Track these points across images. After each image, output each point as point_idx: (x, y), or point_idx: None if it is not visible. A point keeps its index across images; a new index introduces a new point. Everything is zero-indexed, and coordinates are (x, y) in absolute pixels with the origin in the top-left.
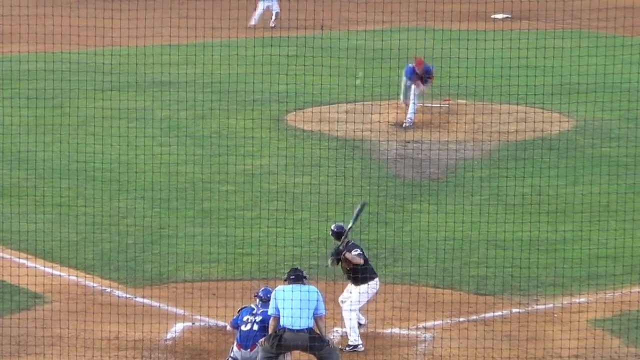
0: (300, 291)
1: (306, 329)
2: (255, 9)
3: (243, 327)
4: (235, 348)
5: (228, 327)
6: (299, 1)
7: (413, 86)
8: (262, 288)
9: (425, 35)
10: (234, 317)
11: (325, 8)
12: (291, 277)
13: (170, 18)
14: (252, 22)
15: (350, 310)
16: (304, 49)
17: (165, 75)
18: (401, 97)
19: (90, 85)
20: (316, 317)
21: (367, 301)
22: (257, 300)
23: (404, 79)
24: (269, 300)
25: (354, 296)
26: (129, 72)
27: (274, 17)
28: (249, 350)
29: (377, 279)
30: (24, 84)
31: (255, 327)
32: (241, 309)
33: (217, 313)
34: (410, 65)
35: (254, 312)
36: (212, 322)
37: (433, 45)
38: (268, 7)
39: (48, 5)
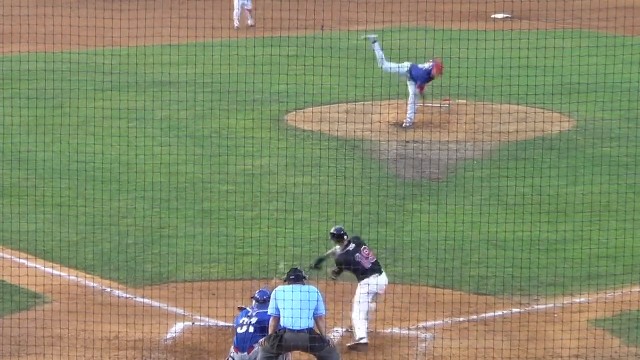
0: (301, 291)
1: (307, 329)
2: (233, 10)
3: (239, 330)
4: (233, 351)
5: (234, 326)
6: (299, 1)
7: (412, 87)
8: (259, 290)
9: (426, 35)
10: (236, 317)
11: (326, 8)
12: (291, 277)
13: (170, 18)
14: (236, 24)
15: (352, 310)
16: (304, 49)
17: (166, 76)
18: (380, 63)
19: (91, 85)
20: (316, 318)
21: (368, 301)
22: (254, 302)
23: (405, 69)
24: (266, 302)
25: (355, 296)
26: (129, 73)
27: (248, 15)
28: (246, 353)
29: (373, 278)
30: (24, 84)
31: (252, 330)
32: (241, 308)
33: (217, 313)
34: (421, 66)
35: (250, 314)
36: (212, 322)
37: (434, 45)
38: (243, 5)
39: (48, 5)
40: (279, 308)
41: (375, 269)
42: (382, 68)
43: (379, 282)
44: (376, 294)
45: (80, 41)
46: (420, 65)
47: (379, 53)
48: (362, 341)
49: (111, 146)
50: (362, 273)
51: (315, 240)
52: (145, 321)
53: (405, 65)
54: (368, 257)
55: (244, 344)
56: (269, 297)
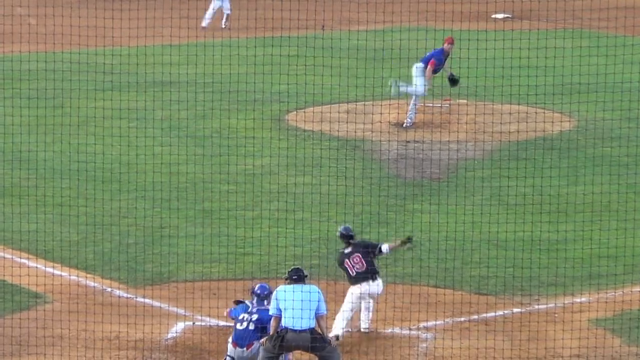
0: (302, 291)
1: (308, 329)
2: (206, 10)
3: (239, 326)
4: (230, 346)
5: (225, 313)
6: (300, 1)
7: (412, 87)
8: (259, 284)
9: (427, 35)
10: (232, 308)
11: (326, 8)
12: (293, 277)
13: (171, 18)
14: (204, 24)
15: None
16: (304, 48)
17: (166, 75)
18: (393, 89)
19: (91, 85)
20: (318, 317)
21: (351, 302)
22: (254, 297)
23: (418, 66)
24: (266, 298)
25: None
26: (130, 72)
27: (224, 19)
28: (244, 349)
29: (364, 284)
30: (24, 84)
31: (251, 327)
32: (238, 301)
33: (218, 313)
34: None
35: (250, 310)
36: (213, 322)
37: (434, 45)
38: (220, 7)
39: (49, 5)
40: (280, 308)
41: (360, 278)
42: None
43: (370, 289)
44: (363, 299)
45: (80, 41)
46: (428, 53)
47: (406, 89)
48: (334, 337)
49: (111, 146)
50: (349, 278)
51: (316, 240)
52: (146, 321)
53: (417, 66)
54: (354, 266)
55: (243, 340)
56: (270, 292)
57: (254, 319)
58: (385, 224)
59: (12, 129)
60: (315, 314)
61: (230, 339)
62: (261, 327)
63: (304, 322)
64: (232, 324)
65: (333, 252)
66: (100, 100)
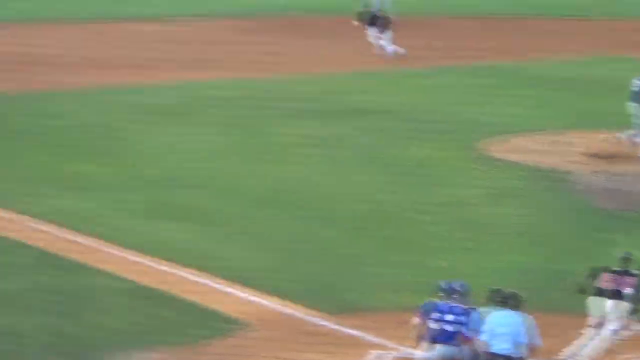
0: (511, 317)
1: (509, 355)
2: (375, 44)
3: (435, 325)
4: (423, 346)
5: (414, 320)
6: (498, 31)
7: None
8: (459, 282)
9: (626, 65)
10: (422, 306)
11: (523, 39)
12: (502, 300)
13: (368, 45)
14: (389, 52)
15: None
16: (504, 78)
17: (364, 103)
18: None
19: (287, 112)
20: (524, 345)
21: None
22: (456, 295)
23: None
24: (466, 295)
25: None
26: (329, 100)
27: (393, 49)
28: (440, 345)
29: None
30: (220, 110)
31: (448, 327)
32: (428, 302)
33: (410, 343)
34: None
35: (448, 310)
36: (407, 351)
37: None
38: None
39: (247, 32)
40: (486, 330)
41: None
42: None
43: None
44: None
45: (280, 68)
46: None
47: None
48: None
49: (309, 174)
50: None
51: (510, 271)
52: (339, 349)
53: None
54: (612, 283)
55: (440, 337)
56: (469, 289)
57: (450, 319)
58: (585, 257)
59: (211, 154)
60: (524, 342)
61: (421, 338)
62: (456, 330)
63: (505, 346)
64: (426, 354)
65: (536, 288)
66: (298, 127)
